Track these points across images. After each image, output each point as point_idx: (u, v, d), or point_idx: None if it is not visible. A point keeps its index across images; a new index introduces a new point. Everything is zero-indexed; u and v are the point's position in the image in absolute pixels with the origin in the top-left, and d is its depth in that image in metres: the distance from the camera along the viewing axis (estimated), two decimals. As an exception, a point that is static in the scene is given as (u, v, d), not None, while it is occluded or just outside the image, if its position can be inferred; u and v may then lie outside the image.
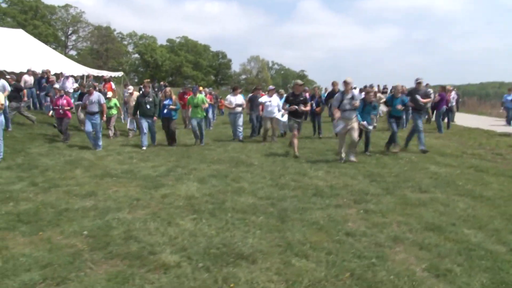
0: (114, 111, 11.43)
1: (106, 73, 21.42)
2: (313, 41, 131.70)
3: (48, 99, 13.00)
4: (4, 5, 50.98)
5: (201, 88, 16.71)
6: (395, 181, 6.30)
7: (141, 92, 11.54)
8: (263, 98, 10.93)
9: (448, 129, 13.35)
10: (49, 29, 52.71)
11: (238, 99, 11.07)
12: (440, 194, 5.58)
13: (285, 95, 11.93)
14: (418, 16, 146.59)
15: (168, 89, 10.68)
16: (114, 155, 8.77)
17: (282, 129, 11.87)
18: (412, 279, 3.13)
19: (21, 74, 16.20)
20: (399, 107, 8.74)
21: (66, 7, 56.29)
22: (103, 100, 9.77)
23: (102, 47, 55.00)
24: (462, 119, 16.30)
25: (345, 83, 7.85)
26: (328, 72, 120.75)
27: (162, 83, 27.57)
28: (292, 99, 8.44)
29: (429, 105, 12.87)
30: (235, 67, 77.83)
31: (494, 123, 15.71)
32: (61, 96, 10.27)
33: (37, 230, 4.21)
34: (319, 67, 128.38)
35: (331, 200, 5.24)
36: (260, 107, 11.21)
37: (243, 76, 72.20)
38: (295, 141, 8.51)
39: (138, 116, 10.17)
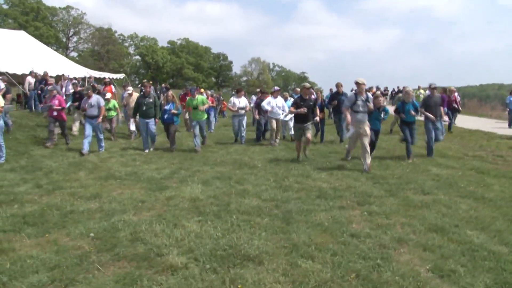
0: (113, 113, 11.41)
1: (108, 75, 21.51)
2: (314, 42, 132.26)
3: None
4: (5, 6, 51.13)
5: (202, 90, 16.72)
6: (398, 183, 6.33)
7: (141, 92, 11.47)
8: (267, 102, 10.51)
9: (449, 131, 13.36)
10: (50, 30, 52.79)
11: (241, 102, 10.91)
12: (442, 195, 5.61)
13: (289, 98, 11.77)
14: (419, 17, 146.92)
15: (170, 93, 10.28)
16: (117, 157, 8.81)
17: (284, 132, 11.88)
18: (417, 279, 3.17)
19: (23, 75, 16.30)
20: (413, 113, 8.31)
21: (67, 8, 56.46)
22: (102, 103, 9.54)
23: (103, 48, 55.11)
24: (462, 121, 16.33)
25: (359, 84, 7.36)
26: (329, 73, 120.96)
27: (163, 85, 27.69)
28: (302, 104, 7.94)
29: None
30: (236, 69, 78.02)
31: (496, 125, 15.74)
32: (54, 96, 10.00)
33: (43, 232, 4.25)
34: (320, 68, 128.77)
35: (334, 202, 5.27)
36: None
37: (244, 78, 72.32)
38: (299, 146, 8.25)
39: (138, 117, 9.96)
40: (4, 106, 10.45)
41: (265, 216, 4.67)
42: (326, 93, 20.44)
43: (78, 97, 11.42)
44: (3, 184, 6.36)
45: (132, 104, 10.98)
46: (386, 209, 4.98)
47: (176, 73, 66.33)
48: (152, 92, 10.46)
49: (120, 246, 3.84)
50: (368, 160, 7.22)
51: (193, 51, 68.92)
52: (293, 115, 8.25)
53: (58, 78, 17.23)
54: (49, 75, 15.27)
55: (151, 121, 9.70)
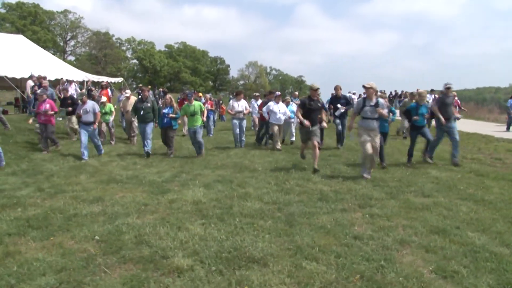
0: (109, 117, 11.28)
1: (105, 79, 21.54)
2: (311, 46, 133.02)
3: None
4: (3, 10, 51.16)
5: (200, 94, 16.60)
6: (398, 185, 6.39)
7: (139, 97, 11.43)
8: (267, 107, 10.46)
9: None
10: (48, 34, 52.81)
11: (241, 105, 10.81)
12: (442, 198, 5.67)
13: (291, 103, 11.74)
14: (416, 21, 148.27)
15: (168, 96, 10.05)
16: (117, 161, 8.83)
17: (285, 136, 11.90)
18: (421, 280, 3.21)
19: (22, 79, 16.32)
20: (427, 115, 8.15)
21: (65, 12, 56.59)
22: (97, 108, 9.35)
23: (100, 52, 55.16)
24: (460, 124, 16.42)
25: (366, 88, 7.01)
26: (327, 77, 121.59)
27: (161, 89, 27.69)
28: (309, 107, 7.61)
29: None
30: (233, 73, 78.17)
31: (494, 129, 15.87)
32: (44, 100, 9.70)
33: (48, 235, 4.27)
34: (317, 72, 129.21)
35: (336, 204, 5.32)
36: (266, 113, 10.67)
37: (241, 82, 72.52)
38: (304, 147, 8.07)
39: (136, 122, 9.90)
40: None
41: (268, 219, 4.71)
42: (324, 96, 20.47)
43: (70, 103, 11.32)
44: (5, 187, 6.37)
45: (129, 108, 10.98)
46: (387, 211, 5.03)
47: (174, 77, 66.41)
48: (150, 96, 10.44)
49: (125, 248, 3.86)
50: (371, 170, 7.09)
51: (191, 55, 69.09)
52: (297, 120, 7.96)
53: (57, 82, 17.26)
54: (48, 78, 15.26)
55: (149, 126, 9.58)
